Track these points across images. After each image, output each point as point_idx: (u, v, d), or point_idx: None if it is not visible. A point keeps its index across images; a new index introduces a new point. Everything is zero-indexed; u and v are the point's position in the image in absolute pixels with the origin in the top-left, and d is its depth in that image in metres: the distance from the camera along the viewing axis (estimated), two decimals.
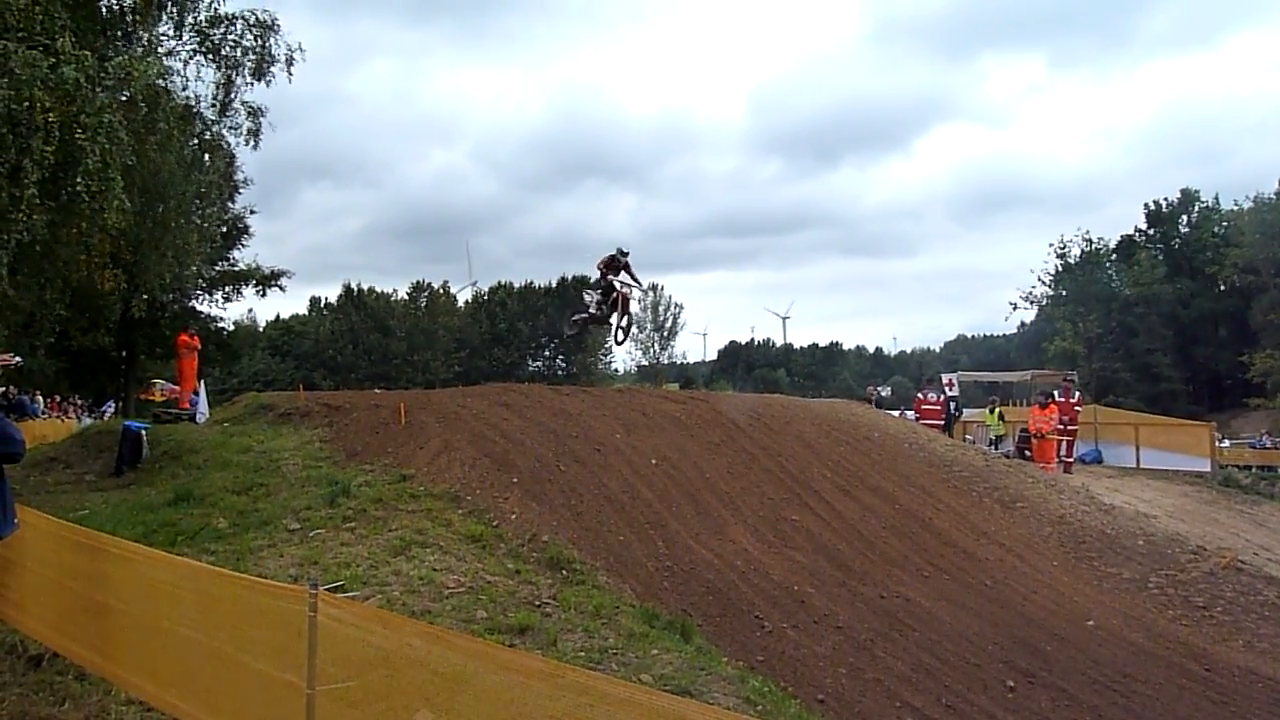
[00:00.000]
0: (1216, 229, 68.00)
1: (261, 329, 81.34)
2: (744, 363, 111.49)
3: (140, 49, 13.73)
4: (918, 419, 23.83)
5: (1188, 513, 16.99)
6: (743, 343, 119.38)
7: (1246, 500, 19.17)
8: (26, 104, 10.64)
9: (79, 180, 11.03)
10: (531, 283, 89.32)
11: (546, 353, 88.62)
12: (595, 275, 18.47)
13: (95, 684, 5.91)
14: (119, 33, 13.72)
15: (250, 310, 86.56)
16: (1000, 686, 9.17)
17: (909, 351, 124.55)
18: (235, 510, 10.21)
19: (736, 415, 16.33)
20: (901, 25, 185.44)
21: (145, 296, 15.40)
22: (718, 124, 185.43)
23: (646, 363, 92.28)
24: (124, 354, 34.21)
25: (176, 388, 21.08)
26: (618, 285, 17.73)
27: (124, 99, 12.19)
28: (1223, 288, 66.65)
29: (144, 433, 13.45)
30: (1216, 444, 25.31)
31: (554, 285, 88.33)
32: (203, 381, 19.42)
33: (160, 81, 13.41)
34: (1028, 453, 21.85)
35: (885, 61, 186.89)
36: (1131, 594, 12.26)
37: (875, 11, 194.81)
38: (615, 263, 17.84)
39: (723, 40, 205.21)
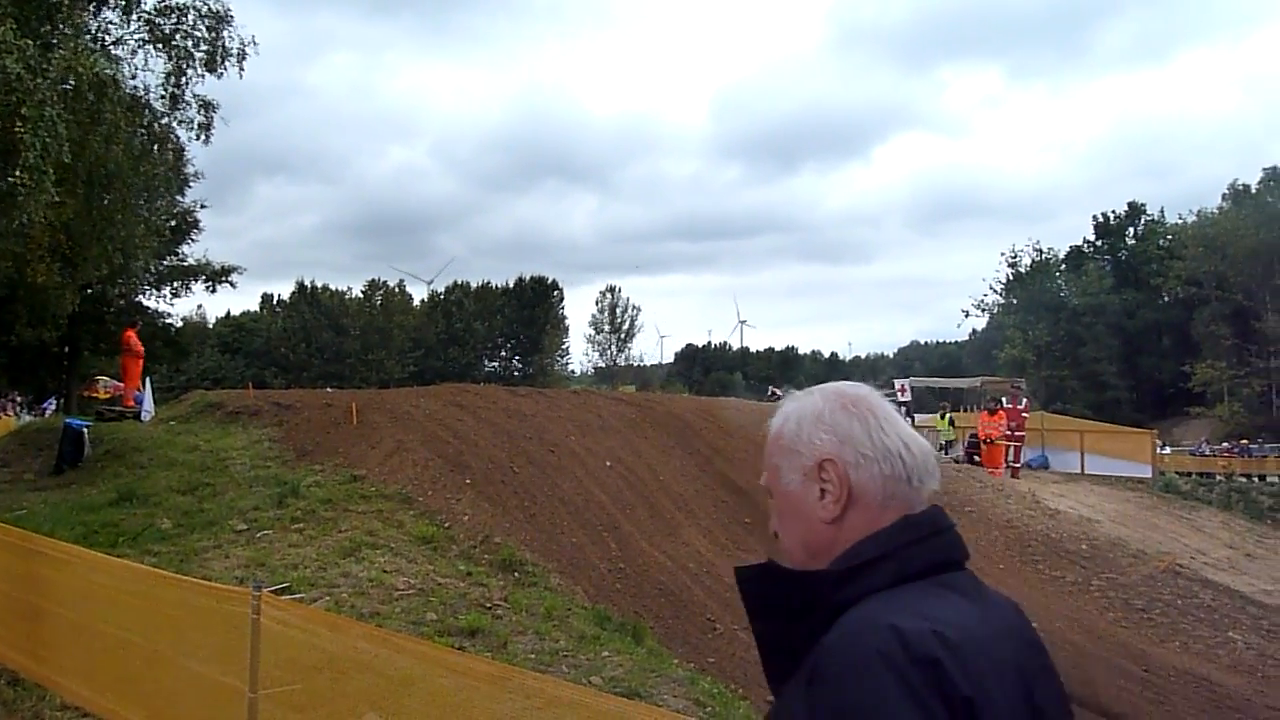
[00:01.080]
0: (1162, 242, 69.76)
1: (211, 326, 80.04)
2: (701, 366, 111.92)
3: (87, 36, 13.42)
4: None
5: (1129, 518, 17.37)
6: (700, 346, 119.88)
7: (1186, 506, 19.67)
8: None
9: (17, 174, 10.74)
10: (489, 282, 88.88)
11: (503, 353, 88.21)
12: None
13: (30, 689, 5.75)
14: (64, 20, 13.39)
15: (200, 306, 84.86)
16: None
17: (864, 357, 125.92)
18: (180, 511, 10.00)
19: (691, 418, 16.39)
20: (863, 34, 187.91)
21: (87, 290, 14.99)
22: (680, 127, 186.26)
23: (603, 365, 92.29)
24: (66, 349, 33.37)
25: (121, 385, 20.63)
26: None
27: (69, 89, 11.89)
28: (1167, 299, 68.46)
29: (86, 431, 13.12)
30: (1158, 451, 25.95)
31: (511, 285, 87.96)
32: (148, 379, 19.01)
33: (108, 71, 13.12)
34: (977, 458, 22.21)
35: (847, 69, 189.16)
36: (1074, 596, 12.51)
37: (838, 19, 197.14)
38: None
39: (686, 44, 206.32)
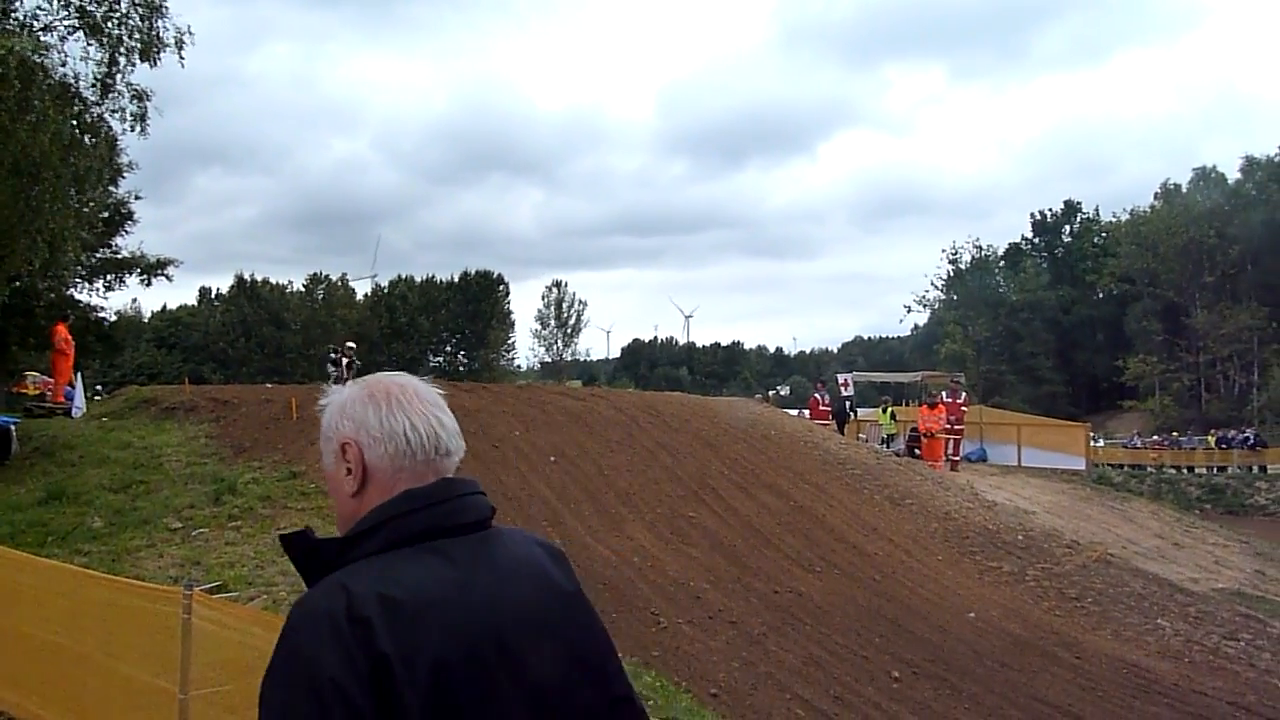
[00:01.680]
0: (1096, 239, 71.65)
1: (146, 320, 77.99)
2: (647, 361, 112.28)
3: (14, 22, 12.99)
4: (811, 418, 24.40)
5: (1064, 509, 17.82)
6: (646, 341, 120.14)
7: (1118, 497, 20.26)
8: None
9: None
10: (433, 276, 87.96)
11: (448, 348, 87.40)
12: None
13: None
14: None
15: (134, 300, 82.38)
16: (886, 677, 9.45)
17: (809, 352, 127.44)
18: (112, 509, 9.77)
19: (636, 413, 16.42)
20: (808, 32, 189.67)
21: (15, 283, 14.52)
22: (626, 122, 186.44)
23: (549, 359, 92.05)
24: None
25: (51, 380, 20.02)
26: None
27: None
28: (1101, 295, 70.41)
29: (13, 428, 12.72)
30: (1091, 444, 26.63)
31: (456, 279, 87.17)
32: (80, 374, 18.50)
33: (36, 58, 12.70)
34: (917, 451, 22.58)
35: (792, 66, 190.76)
36: (1010, 586, 12.78)
37: (783, 17, 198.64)
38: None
39: (633, 38, 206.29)
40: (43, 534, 9.01)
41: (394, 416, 1.50)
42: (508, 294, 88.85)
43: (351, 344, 26.10)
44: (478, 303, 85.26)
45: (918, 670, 9.71)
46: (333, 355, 24.21)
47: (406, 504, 1.45)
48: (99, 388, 37.50)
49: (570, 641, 1.52)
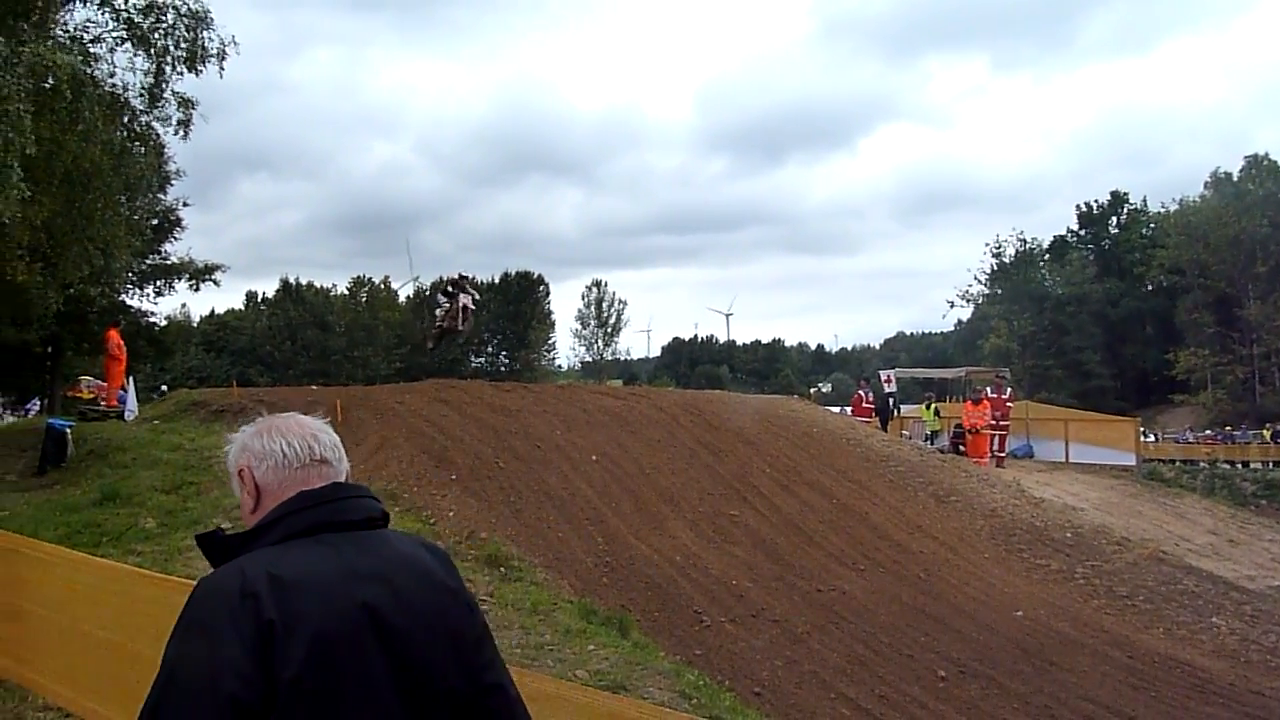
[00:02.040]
0: (1144, 230, 70.18)
1: (195, 324, 79.44)
2: (687, 359, 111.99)
3: (64, 33, 13.29)
4: (854, 415, 24.20)
5: (1113, 505, 17.50)
6: (686, 339, 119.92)
7: (1169, 493, 19.83)
8: None
9: None
10: (474, 278, 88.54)
11: (489, 349, 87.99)
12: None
13: (11, 690, 5.72)
14: (39, 18, 13.24)
15: (183, 305, 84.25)
16: (932, 676, 9.35)
17: (850, 349, 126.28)
18: (164, 510, 9.95)
19: (677, 411, 16.40)
20: (848, 25, 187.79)
21: (69, 290, 14.86)
22: (665, 120, 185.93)
23: (590, 359, 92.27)
24: (49, 350, 33.09)
25: (104, 385, 20.49)
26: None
27: (46, 87, 11.76)
28: (1149, 288, 68.90)
29: (69, 431, 13.03)
30: (1142, 439, 26.11)
31: (497, 281, 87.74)
32: (131, 378, 18.89)
33: (85, 69, 12.99)
34: (962, 448, 22.32)
35: (832, 61, 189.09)
36: (1059, 584, 12.58)
37: (822, 11, 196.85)
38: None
39: (671, 37, 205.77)
40: (97, 534, 9.20)
41: (272, 440, 1.82)
42: (548, 294, 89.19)
43: (467, 274, 21.87)
44: (518, 303, 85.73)
45: (964, 669, 9.60)
46: (448, 290, 20.71)
47: (299, 502, 1.74)
48: (163, 388, 38.35)
49: (446, 631, 1.73)
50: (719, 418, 16.76)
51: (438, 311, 21.12)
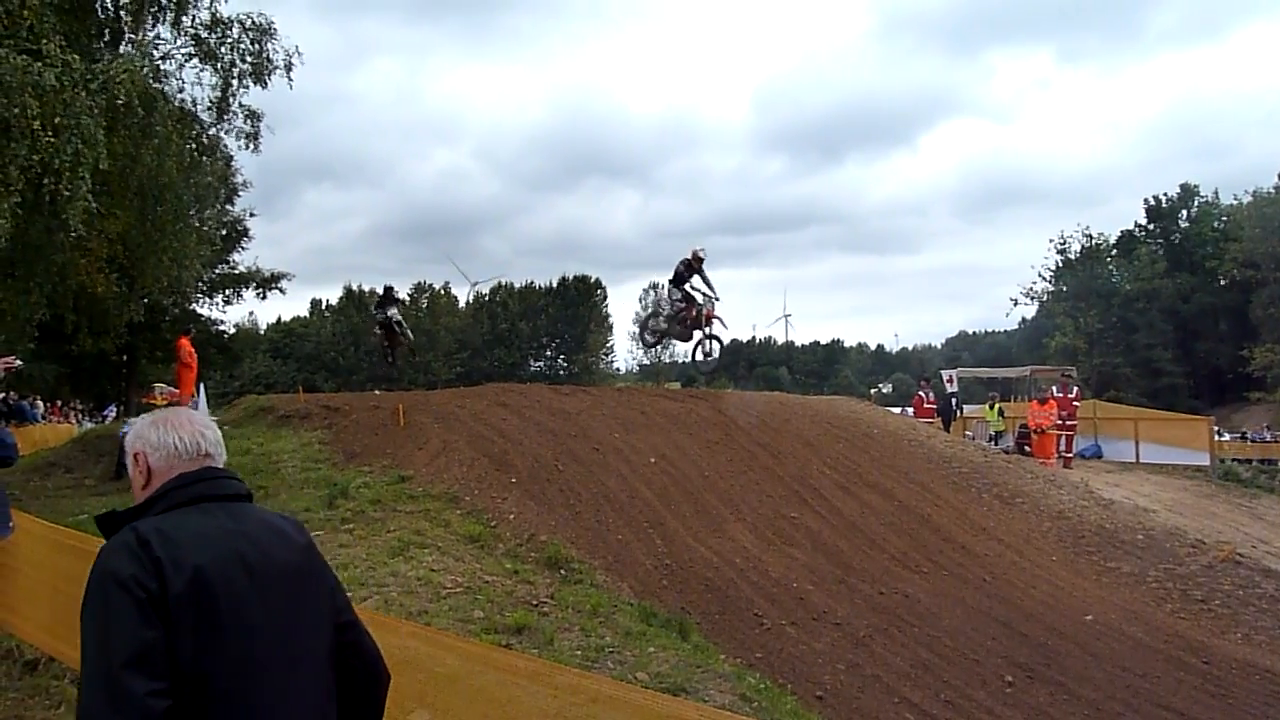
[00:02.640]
0: (1216, 224, 68.00)
1: (262, 331, 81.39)
2: (746, 361, 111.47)
3: (136, 51, 13.72)
4: (916, 416, 23.86)
5: (1186, 506, 17.00)
6: (744, 341, 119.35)
7: (1246, 494, 19.19)
8: (16, 110, 10.65)
9: (47, 181, 11.03)
10: (532, 283, 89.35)
11: (548, 353, 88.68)
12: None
13: None
14: (111, 35, 13.71)
15: (251, 313, 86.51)
16: (999, 682, 9.17)
17: (911, 349, 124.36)
18: None
19: (736, 413, 16.33)
20: (908, 21, 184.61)
21: (144, 300, 15.34)
22: (722, 121, 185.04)
23: (648, 362, 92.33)
24: (125, 358, 34.22)
25: (176, 391, 21.10)
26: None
27: (120, 103, 12.16)
28: (1223, 282, 66.64)
29: None
30: (1216, 438, 25.30)
31: (555, 285, 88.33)
32: (202, 385, 19.42)
33: (156, 85, 13.40)
34: (1027, 448, 21.90)
35: (891, 57, 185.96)
36: (1130, 588, 12.25)
37: (881, 7, 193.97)
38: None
39: (727, 37, 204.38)
40: None
41: (166, 433, 2.27)
42: (605, 297, 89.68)
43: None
44: (576, 307, 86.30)
45: (1032, 674, 9.39)
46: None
47: (179, 480, 2.21)
48: (234, 389, 39.24)
49: (302, 574, 2.25)
50: (778, 419, 16.64)
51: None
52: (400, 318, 21.19)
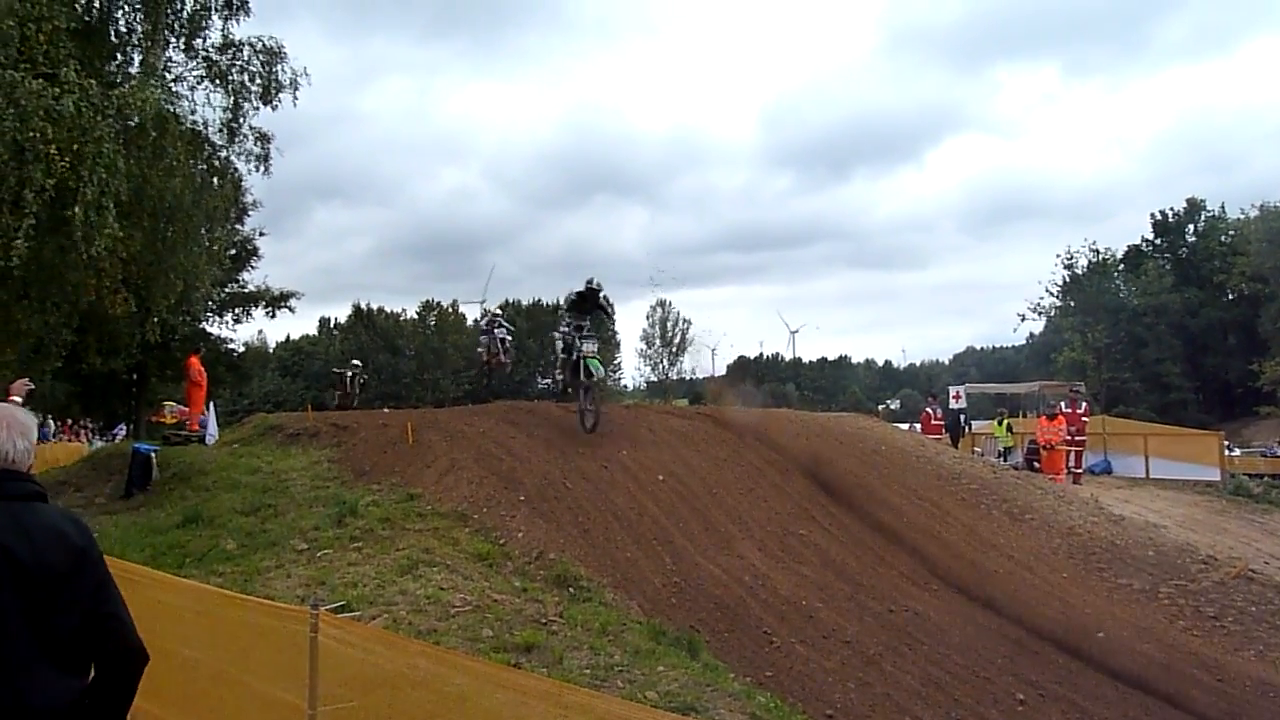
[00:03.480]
0: (1223, 238, 67.79)
1: (271, 350, 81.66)
2: (753, 377, 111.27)
3: (149, 75, 13.84)
4: (924, 433, 23.78)
5: (1198, 522, 16.88)
6: (752, 357, 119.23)
7: (1257, 509, 19.06)
8: (33, 134, 10.75)
9: (75, 210, 11.13)
10: (540, 300, 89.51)
11: (556, 370, 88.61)
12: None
13: None
14: (125, 59, 13.84)
15: (260, 331, 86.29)
16: (1010, 700, 9.10)
17: (918, 364, 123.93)
18: (243, 531, 10.23)
19: (744, 430, 16.30)
20: (915, 37, 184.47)
21: (157, 320, 15.41)
22: (729, 139, 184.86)
23: (655, 378, 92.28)
24: (135, 377, 34.31)
25: (186, 410, 21.17)
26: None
27: (132, 125, 12.26)
28: (1231, 296, 66.41)
29: (154, 455, 13.48)
30: (1226, 453, 25.16)
31: (562, 302, 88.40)
32: (212, 403, 19.49)
33: (169, 108, 13.51)
34: (1036, 464, 21.80)
35: (898, 73, 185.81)
36: (1142, 605, 12.16)
37: (888, 23, 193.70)
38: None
39: (735, 54, 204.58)
40: (181, 556, 9.50)
41: None
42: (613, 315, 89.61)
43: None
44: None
45: (1044, 693, 9.32)
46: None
47: None
48: (243, 407, 39.34)
49: (67, 573, 2.51)
50: (785, 435, 16.60)
51: (479, 351, 21.56)
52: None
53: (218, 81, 15.08)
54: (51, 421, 29.69)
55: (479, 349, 21.99)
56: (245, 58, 15.12)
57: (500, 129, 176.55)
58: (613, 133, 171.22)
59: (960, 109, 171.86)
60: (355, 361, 25.53)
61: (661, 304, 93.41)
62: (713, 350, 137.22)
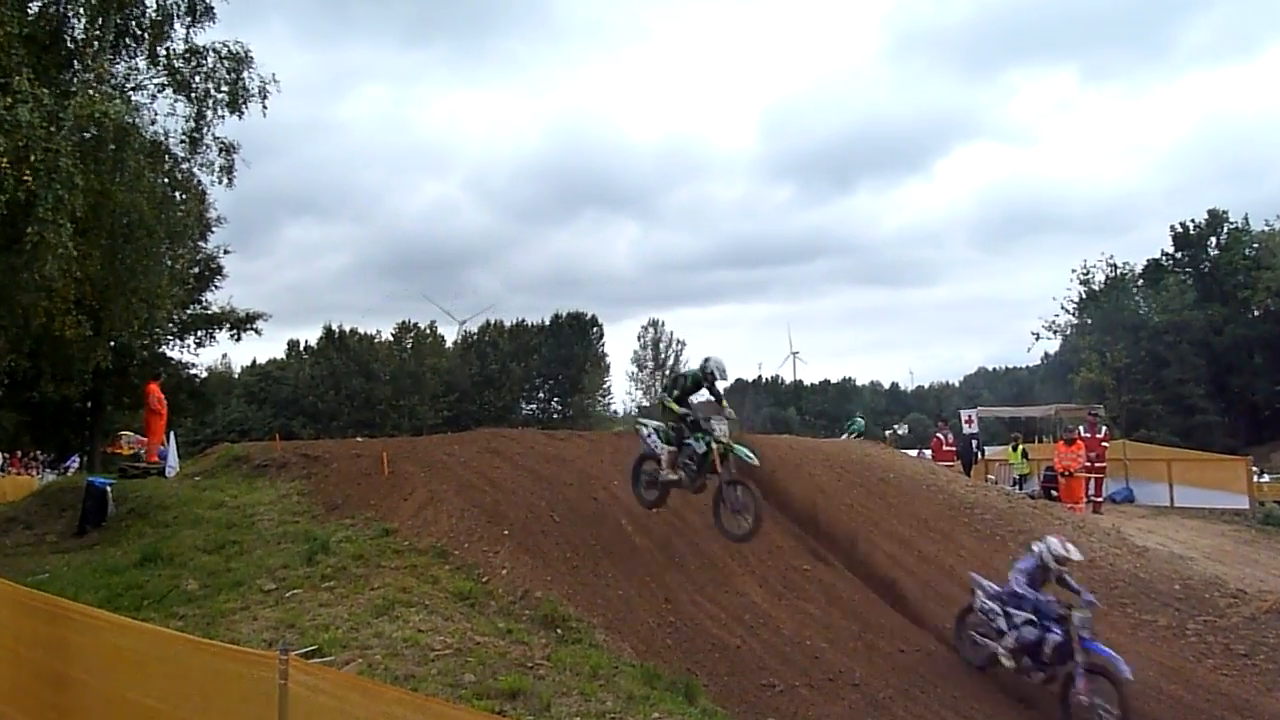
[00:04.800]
0: (1247, 251, 68.35)
1: (237, 375, 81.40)
2: (752, 401, 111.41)
3: (107, 83, 13.88)
4: (934, 459, 23.81)
5: (1226, 553, 16.91)
6: (750, 380, 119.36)
7: None
8: None
9: (30, 228, 11.12)
10: (524, 320, 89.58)
11: (541, 395, 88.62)
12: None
13: None
14: (83, 67, 13.87)
15: (224, 355, 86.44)
16: None
17: (927, 386, 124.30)
18: (206, 571, 10.16)
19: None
20: (922, 40, 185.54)
21: (112, 344, 15.36)
22: (727, 149, 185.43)
23: (647, 403, 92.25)
24: (89, 405, 34.14)
25: (144, 440, 21.07)
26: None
27: (90, 137, 12.28)
28: (1256, 313, 66.85)
29: (109, 489, 13.40)
30: (1255, 479, 25.25)
31: (548, 323, 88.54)
32: (172, 433, 19.39)
33: (129, 119, 13.53)
34: (1054, 492, 21.84)
35: (905, 79, 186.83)
36: (1168, 642, 12.16)
37: (894, 26, 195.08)
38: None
39: (732, 59, 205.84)
40: (139, 597, 9.43)
41: None
42: (602, 336, 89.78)
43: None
44: (571, 346, 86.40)
45: None
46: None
47: None
48: (206, 436, 39.14)
49: None
50: (787, 464, 16.61)
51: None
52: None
53: (181, 90, 15.12)
54: (0, 454, 29.52)
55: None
56: (210, 64, 15.17)
57: (483, 139, 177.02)
58: (603, 142, 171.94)
59: (971, 116, 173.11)
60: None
61: (654, 324, 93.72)
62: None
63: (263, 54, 15.73)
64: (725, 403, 12.15)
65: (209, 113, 15.31)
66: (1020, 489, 22.87)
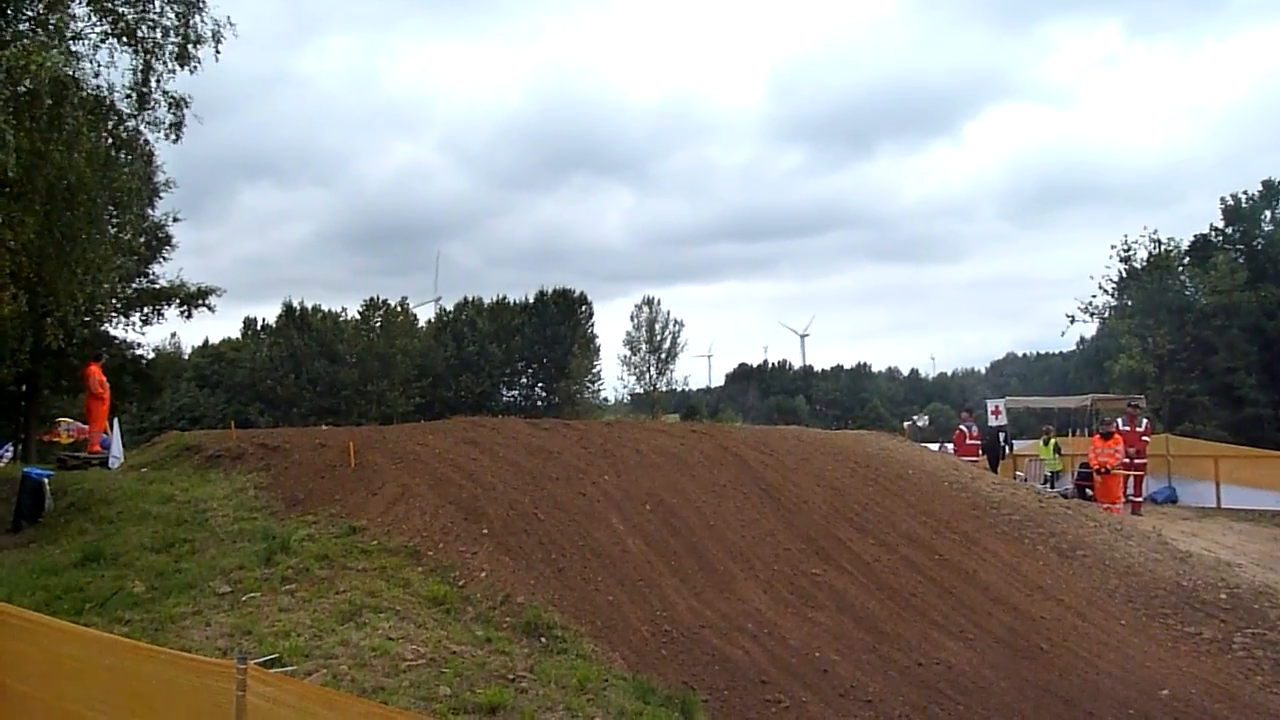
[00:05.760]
0: None
1: (187, 356, 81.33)
2: (757, 388, 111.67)
3: (44, 31, 13.79)
4: (957, 454, 23.90)
5: (1277, 560, 17.02)
6: (755, 365, 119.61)
7: None
8: None
9: None
10: (505, 298, 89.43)
11: (523, 380, 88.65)
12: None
13: None
14: (15, 14, 13.78)
15: (173, 334, 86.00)
16: None
17: (950, 374, 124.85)
18: (154, 571, 10.17)
19: (746, 451, 16.36)
20: None
21: (55, 320, 15.29)
22: (731, 108, 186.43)
23: (641, 390, 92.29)
24: (24, 389, 34.04)
25: (85, 427, 21.07)
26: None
27: (23, 91, 12.20)
28: None
29: (46, 481, 13.40)
30: None
31: (532, 300, 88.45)
32: (116, 420, 19.38)
33: (67, 71, 13.45)
34: (1089, 491, 21.95)
35: (931, 32, 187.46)
36: (1213, 657, 12.26)
37: None
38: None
39: (739, 10, 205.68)
40: (80, 600, 9.43)
41: None
42: (591, 315, 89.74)
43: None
44: (556, 326, 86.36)
45: None
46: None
47: None
48: (154, 424, 39.11)
49: None
50: (795, 458, 16.68)
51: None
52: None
53: (125, 39, 15.03)
54: None
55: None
56: (157, 9, 15.08)
57: (460, 95, 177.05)
58: (594, 101, 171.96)
59: (1004, 73, 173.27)
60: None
61: (649, 302, 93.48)
62: (709, 357, 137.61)
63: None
64: None
65: (158, 64, 15.23)
66: (1052, 487, 22.99)
